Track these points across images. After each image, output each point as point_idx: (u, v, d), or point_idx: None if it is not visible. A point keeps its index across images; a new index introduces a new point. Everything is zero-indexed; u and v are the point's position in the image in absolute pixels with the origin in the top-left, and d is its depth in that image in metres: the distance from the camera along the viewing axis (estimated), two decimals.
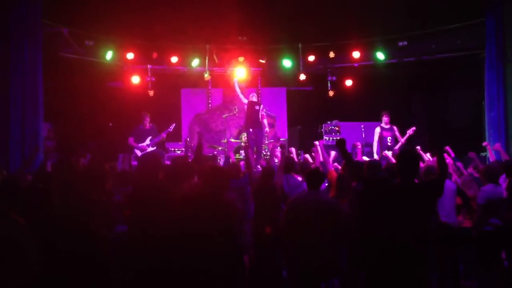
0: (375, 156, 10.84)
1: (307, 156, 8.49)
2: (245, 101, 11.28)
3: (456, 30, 11.40)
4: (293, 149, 9.21)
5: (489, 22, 10.16)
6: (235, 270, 4.19)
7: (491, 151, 8.68)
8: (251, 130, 10.94)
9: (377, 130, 11.23)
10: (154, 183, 4.35)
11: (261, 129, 11.08)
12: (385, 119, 11.23)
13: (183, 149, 12.45)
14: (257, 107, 11.00)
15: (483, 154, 8.89)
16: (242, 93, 11.71)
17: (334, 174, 6.60)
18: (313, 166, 7.25)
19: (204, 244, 3.91)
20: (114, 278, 3.61)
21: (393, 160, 8.05)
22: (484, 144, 8.80)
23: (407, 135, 10.83)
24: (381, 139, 11.15)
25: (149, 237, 3.89)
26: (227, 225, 4.08)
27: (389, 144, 11.06)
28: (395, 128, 11.20)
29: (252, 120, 10.97)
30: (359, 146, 8.47)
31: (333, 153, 7.89)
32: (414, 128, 10.79)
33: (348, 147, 12.47)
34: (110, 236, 4.16)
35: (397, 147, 10.73)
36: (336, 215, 5.08)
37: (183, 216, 4.02)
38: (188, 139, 10.91)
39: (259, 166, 9.19)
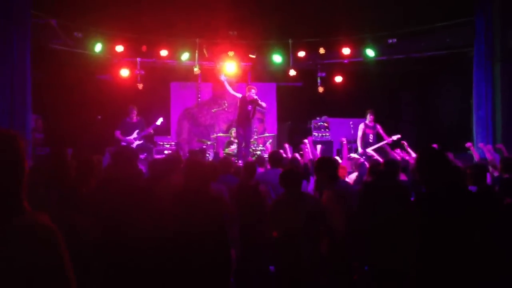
0: (359, 151, 11.07)
1: (296, 154, 8.48)
2: (239, 95, 11.08)
3: (446, 28, 11.46)
4: (287, 146, 9.18)
5: (478, 21, 10.23)
6: (224, 265, 4.15)
7: (475, 150, 8.78)
8: (240, 126, 10.89)
9: (361, 126, 11.53)
10: (122, 178, 4.11)
11: (250, 126, 11.05)
12: (369, 117, 11.50)
13: (173, 142, 12.46)
14: (249, 108, 10.72)
15: (470, 152, 8.96)
16: (234, 88, 11.61)
17: None
18: (302, 162, 7.28)
19: (191, 240, 3.87)
20: (96, 274, 3.53)
21: (379, 158, 8.14)
22: (467, 145, 8.87)
23: (391, 139, 10.99)
24: (364, 135, 11.45)
25: (120, 235, 3.68)
26: (215, 220, 4.04)
27: (370, 141, 11.48)
28: (378, 126, 11.56)
29: (242, 117, 10.85)
30: (345, 142, 8.53)
31: (319, 146, 7.93)
32: (399, 136, 10.92)
33: (336, 144, 12.65)
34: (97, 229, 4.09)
35: (382, 143, 11.00)
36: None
37: (166, 213, 3.93)
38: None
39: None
